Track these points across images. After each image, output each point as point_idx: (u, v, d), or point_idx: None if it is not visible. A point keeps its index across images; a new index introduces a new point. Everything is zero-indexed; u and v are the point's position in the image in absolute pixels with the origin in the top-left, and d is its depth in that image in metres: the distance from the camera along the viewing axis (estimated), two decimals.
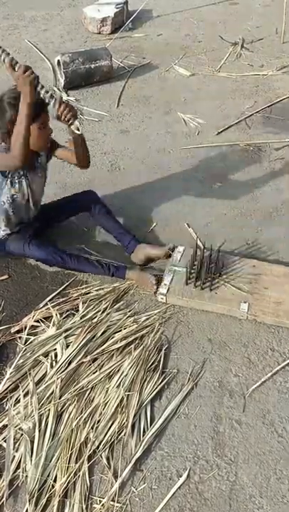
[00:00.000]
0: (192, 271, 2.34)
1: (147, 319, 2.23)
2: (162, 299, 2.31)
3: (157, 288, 2.32)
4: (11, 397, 1.94)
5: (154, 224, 2.79)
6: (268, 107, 3.81)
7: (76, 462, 1.74)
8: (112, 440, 1.81)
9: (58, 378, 1.96)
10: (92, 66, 4.10)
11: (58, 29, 5.27)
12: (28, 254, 2.46)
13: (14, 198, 2.36)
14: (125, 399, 1.91)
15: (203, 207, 2.91)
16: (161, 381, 1.99)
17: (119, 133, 3.59)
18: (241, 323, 2.23)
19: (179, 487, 1.71)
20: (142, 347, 2.09)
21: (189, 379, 2.01)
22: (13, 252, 2.50)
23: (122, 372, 1.99)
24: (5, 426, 1.85)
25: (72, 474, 1.71)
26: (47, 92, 2.07)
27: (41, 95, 2.07)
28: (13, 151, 2.10)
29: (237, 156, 3.31)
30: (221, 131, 3.56)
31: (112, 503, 1.65)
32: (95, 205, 2.61)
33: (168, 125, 3.66)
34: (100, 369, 2.01)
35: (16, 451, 1.78)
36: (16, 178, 2.32)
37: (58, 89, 4.10)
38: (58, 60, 4.09)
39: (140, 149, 3.41)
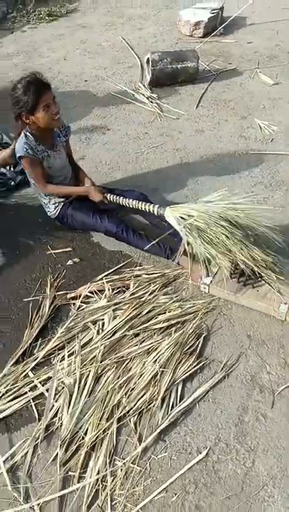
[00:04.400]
0: (237, 266, 2.40)
1: (192, 307, 2.34)
2: (205, 288, 2.41)
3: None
4: (58, 354, 2.14)
5: None
6: None
7: (107, 421, 1.90)
8: (142, 408, 1.96)
9: (101, 345, 2.14)
10: (179, 66, 4.25)
11: (153, 29, 5.48)
12: (97, 226, 2.63)
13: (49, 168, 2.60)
14: (159, 374, 2.04)
15: (268, 211, 2.95)
16: (196, 365, 2.10)
17: (194, 132, 3.72)
18: (283, 325, 2.28)
19: (197, 462, 1.82)
20: (182, 331, 2.21)
21: (223, 368, 2.11)
22: (76, 222, 2.69)
23: (160, 350, 2.13)
24: (49, 378, 2.06)
25: (101, 431, 1.88)
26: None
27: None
28: (49, 189, 2.62)
29: None
30: None
31: (132, 465, 1.79)
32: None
33: (242, 129, 3.73)
34: (140, 344, 2.16)
35: (56, 401, 1.98)
36: (42, 155, 2.55)
37: (144, 85, 4.30)
38: (148, 58, 4.29)
39: (212, 149, 3.52)
